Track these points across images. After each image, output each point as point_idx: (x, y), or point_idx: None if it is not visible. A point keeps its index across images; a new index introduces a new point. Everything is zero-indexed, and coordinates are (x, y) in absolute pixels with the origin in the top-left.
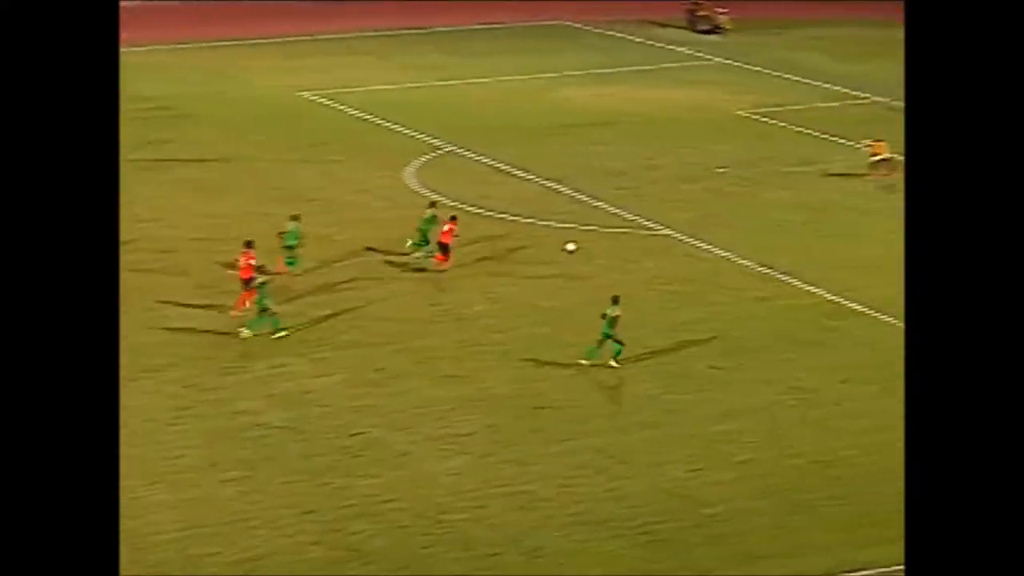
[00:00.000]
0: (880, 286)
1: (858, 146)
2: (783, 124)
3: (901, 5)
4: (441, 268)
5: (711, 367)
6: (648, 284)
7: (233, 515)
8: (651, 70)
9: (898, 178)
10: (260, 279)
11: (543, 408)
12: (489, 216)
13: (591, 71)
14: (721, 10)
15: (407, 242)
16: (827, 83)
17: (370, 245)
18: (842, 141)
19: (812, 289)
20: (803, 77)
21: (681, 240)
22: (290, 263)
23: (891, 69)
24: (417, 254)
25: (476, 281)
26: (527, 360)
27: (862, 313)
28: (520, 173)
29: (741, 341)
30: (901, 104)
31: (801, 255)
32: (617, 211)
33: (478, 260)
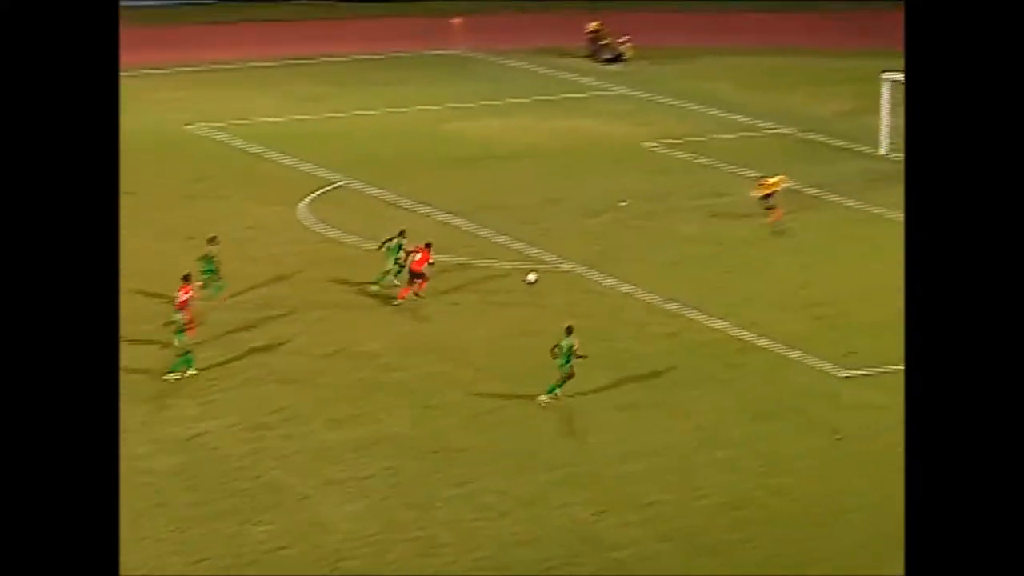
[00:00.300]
0: (787, 321)
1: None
2: (688, 156)
3: (809, 33)
4: (416, 296)
5: (616, 406)
6: (552, 320)
7: (121, 566)
8: (551, 100)
9: (787, 218)
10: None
11: (444, 449)
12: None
13: (489, 102)
14: (623, 39)
15: (380, 276)
16: (732, 113)
17: (261, 282)
18: (748, 173)
19: (718, 324)
20: (708, 107)
21: (585, 275)
22: (217, 288)
23: (798, 99)
24: (395, 281)
25: (374, 318)
26: (427, 399)
27: (768, 349)
28: (418, 207)
29: (646, 378)
30: (809, 135)
31: (706, 290)
32: (519, 246)
33: (375, 297)
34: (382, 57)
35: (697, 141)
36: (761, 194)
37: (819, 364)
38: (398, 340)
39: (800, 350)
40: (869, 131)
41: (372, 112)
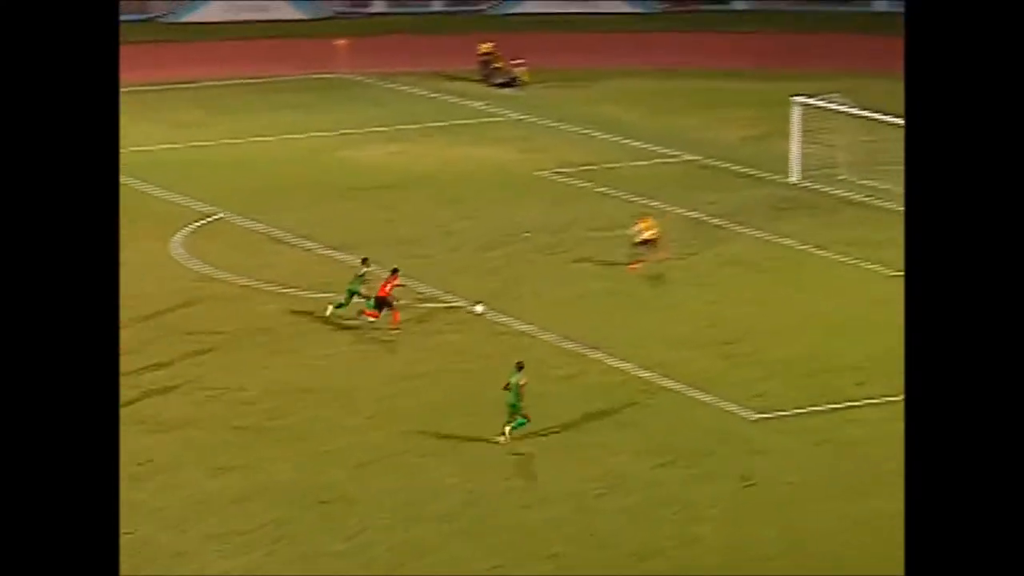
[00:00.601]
0: (694, 360)
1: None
2: (586, 185)
3: (710, 55)
4: (376, 323)
5: (514, 452)
6: (445, 361)
7: None
8: (443, 127)
9: (665, 261)
10: None
11: (331, 500)
12: (269, 289)
13: (377, 128)
14: (517, 61)
15: (327, 308)
16: (633, 140)
17: (130, 323)
18: (652, 203)
19: (622, 365)
20: (608, 133)
21: (481, 313)
22: None
23: (701, 123)
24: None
25: (255, 360)
26: (312, 446)
27: (675, 391)
28: (302, 241)
29: (547, 423)
30: (714, 162)
31: (609, 328)
32: (410, 282)
33: (257, 338)
34: (263, 81)
35: (596, 169)
36: (638, 239)
37: (729, 406)
38: (280, 384)
39: (709, 391)
40: (777, 157)
41: (253, 139)
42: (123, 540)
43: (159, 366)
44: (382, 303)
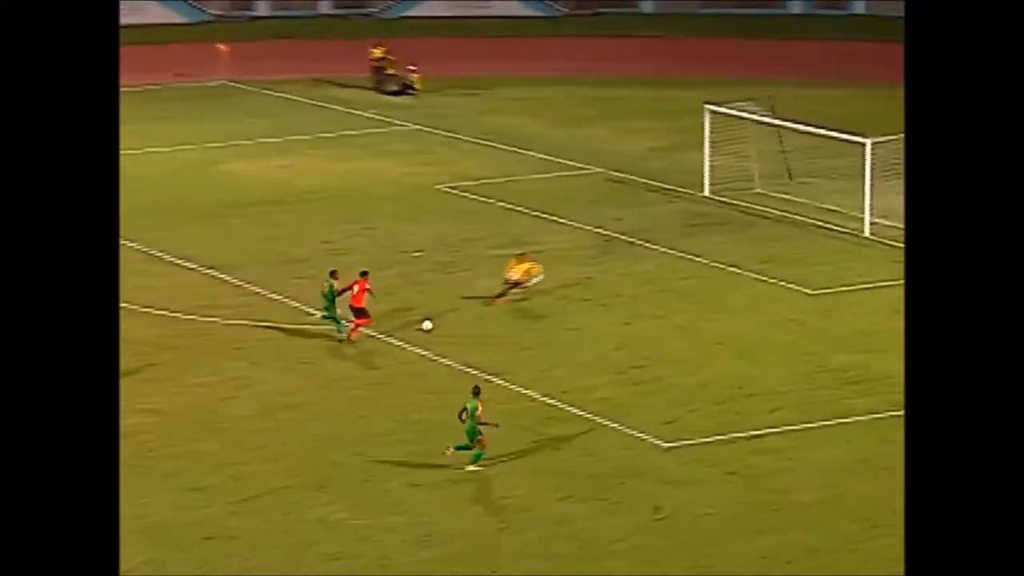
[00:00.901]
0: (602, 387)
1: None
2: (486, 200)
3: (614, 60)
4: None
5: (410, 484)
6: (330, 389)
7: None
8: (331, 138)
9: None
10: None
11: (212, 538)
12: (145, 312)
13: (261, 139)
14: (411, 67)
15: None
16: (534, 151)
17: None
18: (558, 219)
19: (525, 392)
20: (507, 144)
21: (371, 336)
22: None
23: (606, 134)
24: (331, 328)
25: (131, 389)
26: (192, 481)
27: (582, 419)
28: (180, 261)
29: (440, 455)
30: (621, 175)
31: (511, 353)
32: (297, 304)
33: (129, 364)
34: (136, 90)
35: (496, 183)
36: (514, 277)
37: (638, 435)
38: (159, 414)
39: (617, 419)
40: (688, 170)
41: (126, 152)
42: None
43: None
44: (359, 312)
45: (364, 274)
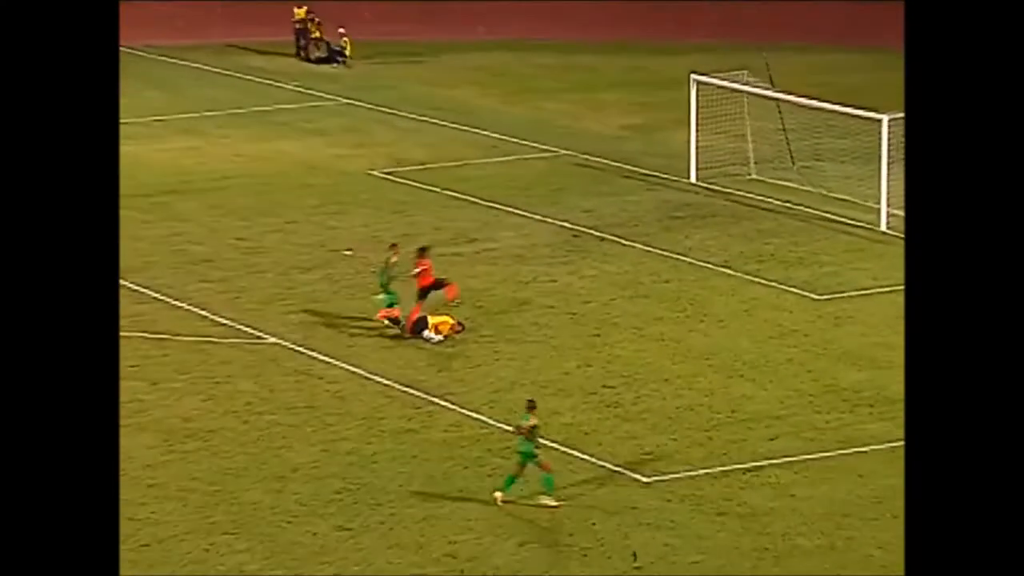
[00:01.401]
0: (567, 410)
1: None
2: (428, 187)
3: (579, 23)
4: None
5: (337, 527)
6: (244, 414)
7: None
8: (244, 114)
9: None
10: None
11: None
12: None
13: (160, 116)
14: (341, 30)
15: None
16: (485, 130)
17: None
18: (515, 211)
19: (475, 416)
20: (453, 122)
21: (292, 350)
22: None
23: (570, 109)
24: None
25: None
26: None
27: (545, 447)
28: None
29: (376, 492)
30: (588, 158)
31: (459, 369)
32: (203, 312)
33: None
34: None
35: (440, 168)
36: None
37: (612, 467)
38: None
39: (585, 449)
40: (670, 152)
41: None
42: None
43: None
44: (429, 290)
45: (423, 250)
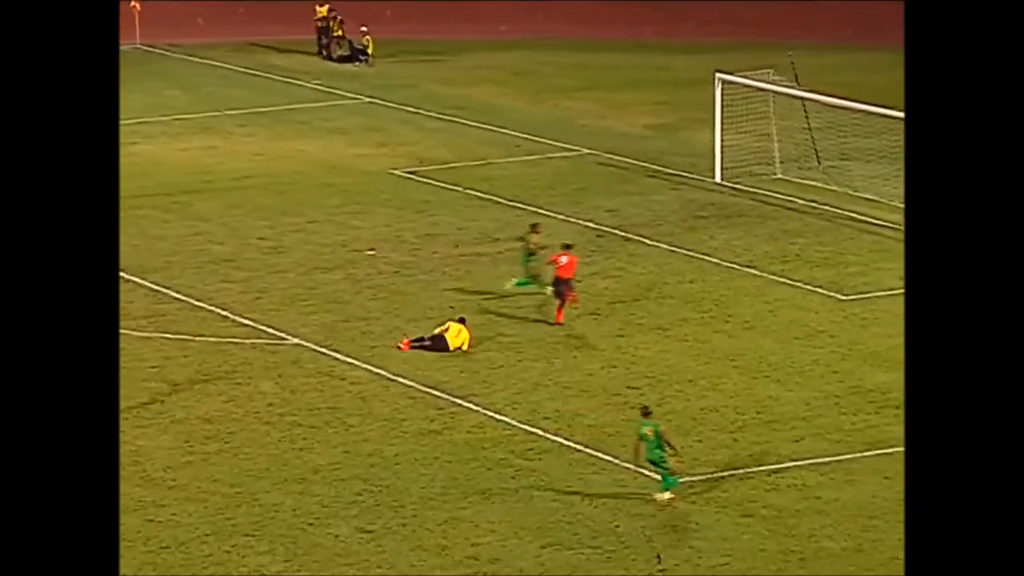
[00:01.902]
0: (591, 411)
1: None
2: (454, 187)
3: (608, 22)
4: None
5: (359, 529)
6: (265, 416)
7: None
8: (266, 113)
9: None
10: None
11: None
12: None
13: (182, 116)
14: (363, 29)
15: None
16: (509, 129)
17: None
18: (539, 210)
19: (499, 417)
20: (476, 121)
21: (314, 351)
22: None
23: (598, 110)
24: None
25: None
26: None
27: (567, 450)
28: None
29: (398, 493)
30: (612, 157)
31: (482, 371)
32: (224, 312)
33: None
34: None
35: (463, 167)
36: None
37: (635, 469)
38: None
39: (610, 451)
40: (695, 151)
41: None
42: None
43: None
44: (562, 283)
45: (568, 247)
